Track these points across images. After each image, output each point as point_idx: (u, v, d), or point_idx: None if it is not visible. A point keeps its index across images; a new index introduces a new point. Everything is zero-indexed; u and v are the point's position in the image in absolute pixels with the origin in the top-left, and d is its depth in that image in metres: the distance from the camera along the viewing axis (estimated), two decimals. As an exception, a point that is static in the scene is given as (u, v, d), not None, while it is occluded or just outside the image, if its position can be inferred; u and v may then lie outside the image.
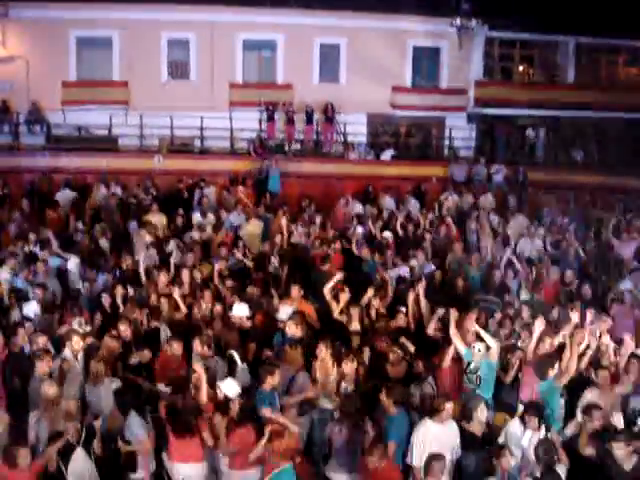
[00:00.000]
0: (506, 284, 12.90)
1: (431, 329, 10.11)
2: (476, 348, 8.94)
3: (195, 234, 15.04)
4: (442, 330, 10.08)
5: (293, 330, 9.60)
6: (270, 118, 23.50)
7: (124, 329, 9.66)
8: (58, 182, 19.24)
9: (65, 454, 7.24)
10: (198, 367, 8.02)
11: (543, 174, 22.72)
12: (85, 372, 8.95)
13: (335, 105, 23.69)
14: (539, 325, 9.28)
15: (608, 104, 26.15)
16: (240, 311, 10.33)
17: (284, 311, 10.51)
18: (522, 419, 8.01)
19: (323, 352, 8.99)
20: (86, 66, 24.26)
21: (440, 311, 10.10)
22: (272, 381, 8.11)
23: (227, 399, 7.88)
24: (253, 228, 15.88)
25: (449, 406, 7.63)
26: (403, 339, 9.84)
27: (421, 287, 10.95)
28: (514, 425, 8.05)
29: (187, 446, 7.55)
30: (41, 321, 10.52)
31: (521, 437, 7.88)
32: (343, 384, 8.69)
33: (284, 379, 8.62)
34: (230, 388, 7.97)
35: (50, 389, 7.86)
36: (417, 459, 7.43)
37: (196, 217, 16.49)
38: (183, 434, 7.50)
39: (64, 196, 17.89)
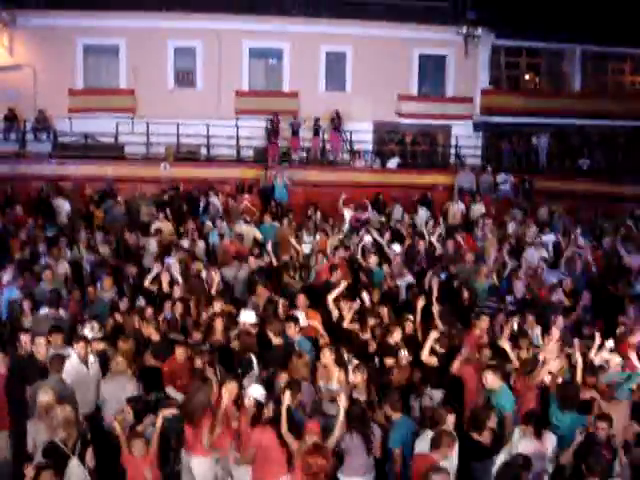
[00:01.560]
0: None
1: (425, 355, 9.41)
2: (488, 379, 8.55)
3: (200, 243, 14.97)
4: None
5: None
6: (275, 131, 23.41)
7: (151, 331, 9.76)
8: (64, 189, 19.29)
9: (60, 464, 7.09)
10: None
11: (549, 182, 22.68)
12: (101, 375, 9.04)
13: (341, 113, 23.70)
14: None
15: (614, 112, 26.14)
16: (247, 317, 10.31)
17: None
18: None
19: (327, 358, 8.94)
20: (93, 74, 24.40)
21: (433, 334, 9.51)
22: (296, 399, 7.96)
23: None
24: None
25: (451, 418, 7.58)
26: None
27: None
28: (516, 435, 7.96)
29: (196, 437, 7.63)
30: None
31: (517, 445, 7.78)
32: (354, 394, 8.61)
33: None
34: (257, 392, 8.01)
35: (45, 396, 7.81)
36: None
37: (208, 225, 16.47)
38: (192, 423, 7.60)
39: (62, 204, 17.87)
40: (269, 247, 13.85)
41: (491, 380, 8.52)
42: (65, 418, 7.30)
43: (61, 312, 11.03)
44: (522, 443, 7.65)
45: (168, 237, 15.48)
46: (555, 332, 9.92)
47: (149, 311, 10.63)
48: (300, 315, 10.52)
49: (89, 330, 9.94)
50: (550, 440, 7.82)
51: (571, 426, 7.96)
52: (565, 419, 8.19)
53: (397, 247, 14.73)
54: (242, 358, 9.31)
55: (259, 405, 7.75)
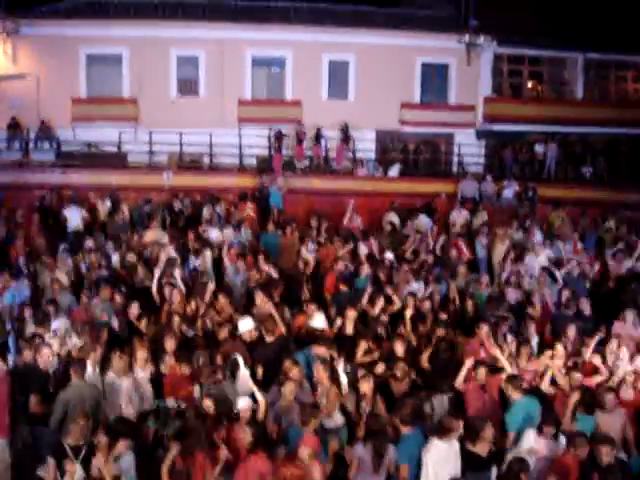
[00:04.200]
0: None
1: (460, 382, 9.38)
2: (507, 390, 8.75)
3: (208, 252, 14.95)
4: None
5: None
6: (278, 138, 23.42)
7: (171, 344, 9.73)
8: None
9: (64, 467, 7.15)
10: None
11: (552, 190, 22.66)
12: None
13: (345, 122, 23.73)
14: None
15: (617, 120, 26.16)
16: (245, 326, 10.28)
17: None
18: (539, 430, 8.00)
19: (319, 373, 8.86)
20: (96, 83, 24.44)
21: (469, 363, 9.39)
22: (315, 424, 7.87)
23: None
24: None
25: (460, 425, 7.56)
26: None
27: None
28: (528, 436, 8.00)
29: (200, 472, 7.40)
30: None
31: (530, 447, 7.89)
32: (363, 405, 8.57)
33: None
34: (243, 403, 8.13)
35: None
36: None
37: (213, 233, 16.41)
38: (186, 456, 7.38)
39: (71, 213, 17.81)
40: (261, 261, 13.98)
41: (509, 391, 8.69)
42: (81, 426, 7.40)
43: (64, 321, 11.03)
44: (539, 443, 7.88)
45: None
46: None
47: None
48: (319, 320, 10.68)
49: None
50: (562, 442, 8.02)
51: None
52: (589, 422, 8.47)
53: (389, 255, 14.78)
54: (229, 360, 9.40)
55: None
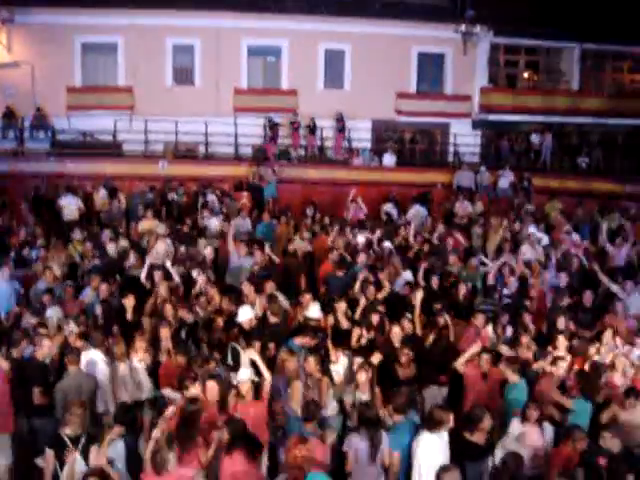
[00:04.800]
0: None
1: (460, 364, 9.35)
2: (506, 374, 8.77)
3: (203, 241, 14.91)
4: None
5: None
6: (272, 128, 23.44)
7: (165, 332, 9.71)
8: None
9: (61, 457, 7.14)
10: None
11: (548, 180, 22.67)
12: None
13: (339, 111, 23.70)
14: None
15: (613, 110, 26.16)
16: (244, 315, 10.21)
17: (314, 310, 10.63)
18: (523, 416, 8.01)
19: (310, 366, 8.77)
20: (91, 71, 24.35)
21: (475, 348, 9.31)
22: (317, 420, 7.82)
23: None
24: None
25: (450, 417, 7.52)
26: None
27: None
28: (515, 424, 8.01)
29: (189, 458, 7.31)
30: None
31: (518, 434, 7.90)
32: (357, 394, 8.57)
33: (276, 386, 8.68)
34: (245, 375, 8.14)
35: None
36: (424, 475, 7.27)
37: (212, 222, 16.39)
38: (185, 445, 7.27)
39: (67, 202, 17.76)
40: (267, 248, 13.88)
41: (509, 373, 8.74)
42: (79, 416, 7.35)
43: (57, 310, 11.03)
44: (526, 429, 7.88)
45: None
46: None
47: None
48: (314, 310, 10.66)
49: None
50: (548, 430, 8.10)
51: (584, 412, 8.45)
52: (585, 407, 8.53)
53: (388, 243, 14.77)
54: (230, 349, 9.41)
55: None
